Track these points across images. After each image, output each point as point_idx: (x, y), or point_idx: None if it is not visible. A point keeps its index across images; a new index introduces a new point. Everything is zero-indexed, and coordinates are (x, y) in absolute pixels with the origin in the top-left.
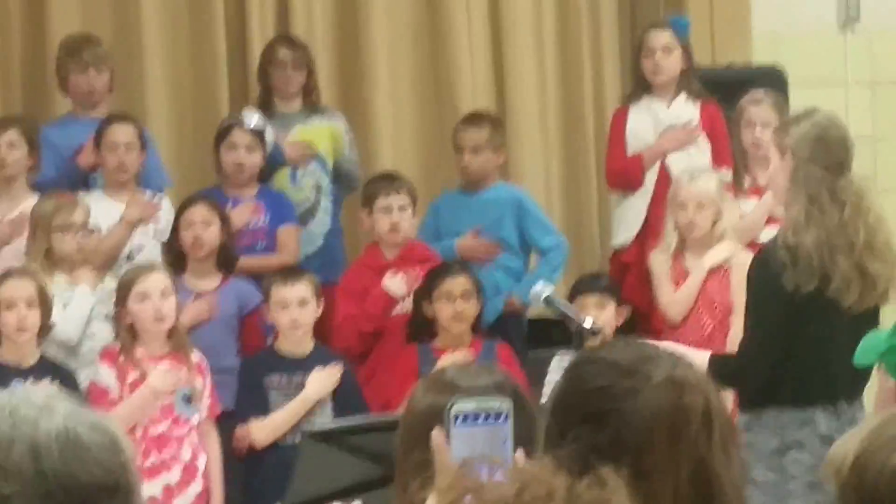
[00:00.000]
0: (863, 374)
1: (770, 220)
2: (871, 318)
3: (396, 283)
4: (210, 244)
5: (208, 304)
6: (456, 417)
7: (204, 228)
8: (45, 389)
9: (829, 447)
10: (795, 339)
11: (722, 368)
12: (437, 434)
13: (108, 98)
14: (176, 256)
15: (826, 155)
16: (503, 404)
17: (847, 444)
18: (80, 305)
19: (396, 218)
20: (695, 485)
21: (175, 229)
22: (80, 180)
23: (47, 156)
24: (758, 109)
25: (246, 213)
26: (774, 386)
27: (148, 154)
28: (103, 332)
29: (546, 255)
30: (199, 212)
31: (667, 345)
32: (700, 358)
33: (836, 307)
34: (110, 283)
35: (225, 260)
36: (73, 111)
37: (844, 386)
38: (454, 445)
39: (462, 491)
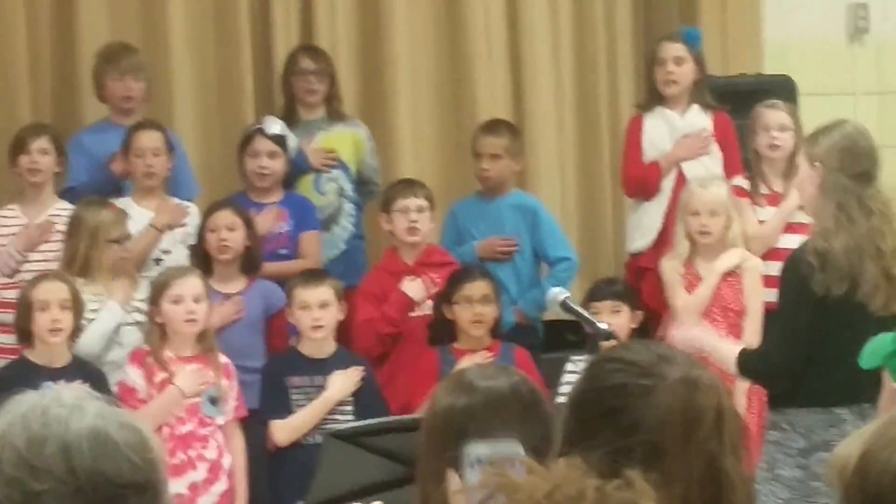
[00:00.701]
0: None
1: (788, 227)
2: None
3: (414, 287)
4: (235, 248)
5: (236, 305)
6: (471, 460)
7: (229, 233)
8: (76, 389)
9: None
10: (823, 341)
11: (751, 364)
12: (452, 477)
13: (144, 107)
14: (202, 260)
15: (854, 165)
16: (517, 448)
17: (850, 447)
18: (105, 321)
19: (414, 218)
20: (705, 482)
21: (201, 234)
22: (113, 187)
23: (81, 161)
24: (774, 113)
25: (270, 218)
26: (802, 387)
27: (179, 163)
28: (133, 340)
29: (555, 268)
30: (225, 217)
31: (701, 330)
32: (729, 350)
33: (864, 311)
34: (143, 293)
35: (249, 264)
36: (109, 118)
37: (868, 388)
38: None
39: (493, 488)
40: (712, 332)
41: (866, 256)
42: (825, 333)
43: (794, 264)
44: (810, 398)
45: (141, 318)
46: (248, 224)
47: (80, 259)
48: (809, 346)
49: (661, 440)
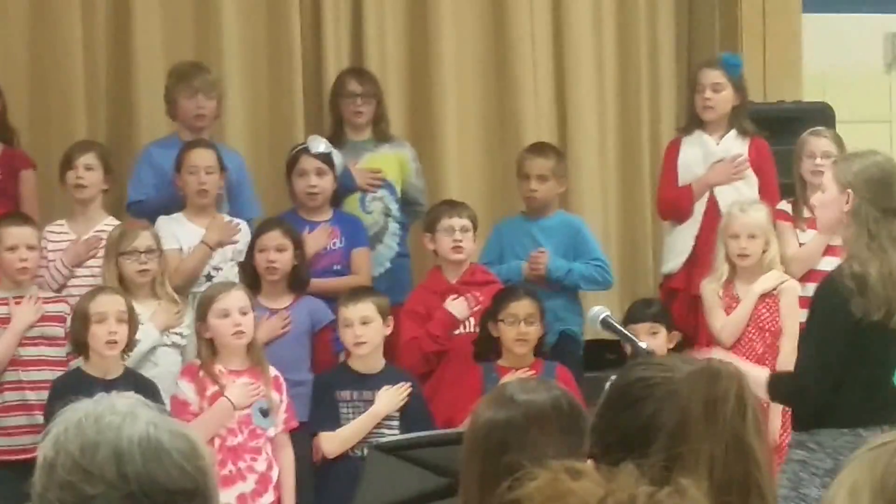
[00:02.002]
0: None
1: (828, 250)
2: None
3: (458, 306)
4: (283, 268)
5: (282, 320)
6: None
7: (278, 254)
8: (129, 398)
9: None
10: (855, 364)
11: (782, 387)
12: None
13: (215, 124)
14: (251, 277)
15: (886, 198)
16: None
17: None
18: (139, 342)
19: (459, 237)
20: (730, 460)
21: (250, 252)
22: (180, 204)
23: (149, 175)
24: (819, 140)
25: (322, 236)
26: (830, 408)
27: (242, 183)
28: (167, 359)
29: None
30: (274, 237)
31: (728, 357)
32: (757, 374)
33: (894, 338)
34: (188, 316)
35: (296, 282)
36: (178, 134)
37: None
38: None
39: (549, 495)
40: (736, 357)
41: None
42: (858, 356)
43: (831, 287)
44: (839, 419)
45: (179, 339)
46: (297, 244)
47: (109, 278)
48: (841, 368)
49: (683, 420)
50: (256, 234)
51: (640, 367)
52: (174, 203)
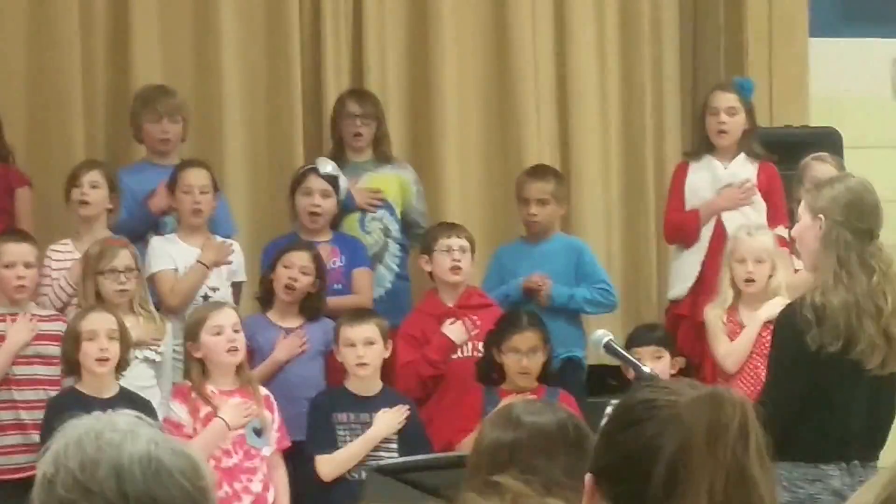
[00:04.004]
0: (880, 436)
1: None
2: (891, 382)
3: (455, 330)
4: (301, 290)
5: (300, 339)
6: None
7: (301, 274)
8: (130, 416)
9: (841, 501)
10: (815, 397)
11: None
12: None
13: (181, 147)
14: (266, 292)
15: (858, 220)
16: None
17: (866, 495)
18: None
19: (457, 257)
20: (731, 490)
21: (272, 266)
22: (151, 225)
23: (121, 199)
24: (821, 166)
25: (323, 255)
26: (790, 441)
27: (218, 203)
28: (135, 373)
29: (591, 285)
30: (302, 257)
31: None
32: None
33: (858, 369)
34: (169, 332)
35: (309, 309)
36: (148, 158)
37: (860, 446)
38: None
39: None
40: None
41: (865, 315)
42: (817, 389)
43: (790, 318)
44: (799, 453)
45: (152, 355)
46: (320, 274)
47: (85, 295)
48: (801, 401)
49: (685, 446)
50: (285, 250)
51: (645, 388)
52: (145, 225)
